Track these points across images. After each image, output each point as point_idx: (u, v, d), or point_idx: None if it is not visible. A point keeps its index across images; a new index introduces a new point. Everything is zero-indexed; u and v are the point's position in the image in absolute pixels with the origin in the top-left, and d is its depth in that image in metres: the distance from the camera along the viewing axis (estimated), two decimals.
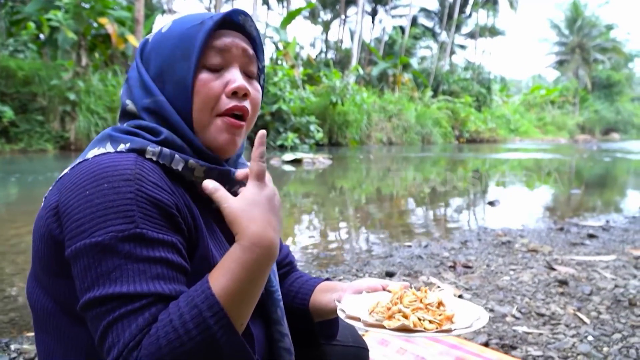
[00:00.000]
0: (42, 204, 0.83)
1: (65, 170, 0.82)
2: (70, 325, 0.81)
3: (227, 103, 0.86)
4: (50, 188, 0.83)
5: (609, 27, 52.70)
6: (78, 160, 0.81)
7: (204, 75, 0.85)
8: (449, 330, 0.82)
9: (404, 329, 0.81)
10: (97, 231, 0.71)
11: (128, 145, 0.81)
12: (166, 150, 0.82)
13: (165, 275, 0.73)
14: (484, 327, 2.46)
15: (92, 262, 0.71)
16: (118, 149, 0.81)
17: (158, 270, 0.72)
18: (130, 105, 0.88)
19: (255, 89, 0.92)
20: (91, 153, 0.81)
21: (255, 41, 0.94)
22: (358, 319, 0.86)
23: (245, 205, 0.78)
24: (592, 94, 53.20)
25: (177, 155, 0.83)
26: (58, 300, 0.81)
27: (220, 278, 0.73)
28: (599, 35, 52.15)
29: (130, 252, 0.71)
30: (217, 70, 0.87)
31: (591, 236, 4.71)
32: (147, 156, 0.80)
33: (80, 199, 0.73)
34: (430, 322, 0.83)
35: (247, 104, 0.89)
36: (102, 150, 0.81)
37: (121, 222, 0.71)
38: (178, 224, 0.78)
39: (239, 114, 0.88)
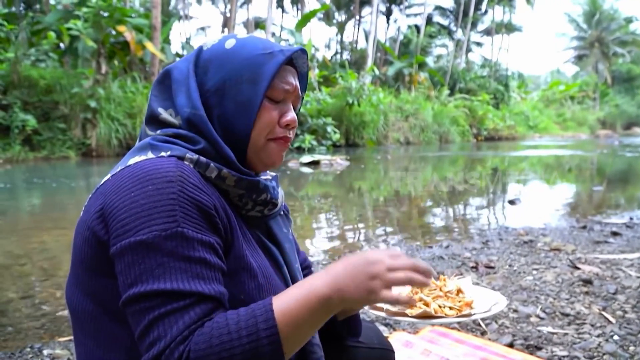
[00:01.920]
0: (83, 212, 0.88)
1: (107, 177, 0.86)
2: (111, 326, 0.84)
3: (280, 132, 0.96)
4: (90, 196, 0.88)
5: (628, 20, 51.73)
6: (119, 167, 0.85)
7: (267, 104, 0.93)
8: (468, 315, 0.86)
9: (425, 316, 0.85)
10: (141, 230, 0.75)
11: (169, 153, 0.85)
12: (202, 158, 0.87)
13: (204, 275, 0.77)
14: (507, 327, 2.46)
15: (136, 258, 0.75)
16: (159, 156, 0.85)
17: (198, 270, 0.77)
18: (164, 114, 0.92)
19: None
20: (132, 160, 0.85)
21: (302, 76, 1.03)
22: (381, 309, 0.89)
23: (362, 267, 0.79)
24: (613, 89, 52.29)
25: (212, 164, 0.87)
26: (99, 302, 0.85)
27: (285, 302, 0.77)
28: (618, 28, 51.22)
29: (173, 251, 0.75)
30: (277, 101, 0.95)
31: (615, 234, 4.66)
32: (186, 162, 0.85)
33: (125, 200, 0.78)
34: (451, 308, 0.87)
35: (292, 132, 0.99)
36: (143, 158, 0.85)
37: (164, 221, 0.76)
38: (216, 225, 0.82)
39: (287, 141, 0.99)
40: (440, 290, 0.92)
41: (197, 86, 0.91)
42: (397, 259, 0.81)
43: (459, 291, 0.92)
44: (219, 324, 0.73)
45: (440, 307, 0.86)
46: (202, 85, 0.92)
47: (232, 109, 0.91)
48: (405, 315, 0.86)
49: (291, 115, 0.96)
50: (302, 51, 0.99)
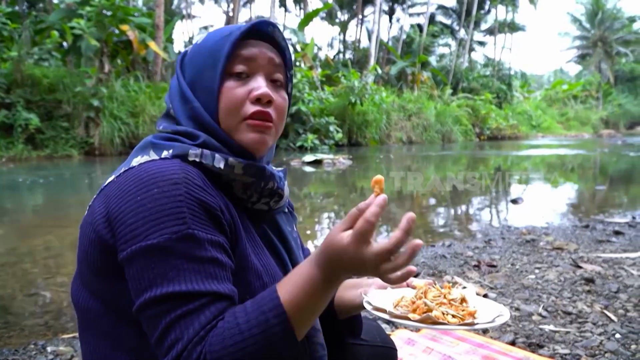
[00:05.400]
0: (87, 211, 0.87)
1: (111, 178, 0.85)
2: (116, 325, 0.85)
3: (250, 108, 0.89)
4: (95, 196, 0.87)
5: (632, 20, 51.56)
6: (123, 169, 0.85)
7: (229, 83, 0.90)
8: (471, 324, 0.85)
9: (427, 321, 0.84)
10: (151, 234, 0.75)
11: (171, 151, 0.85)
12: (206, 151, 0.86)
13: (217, 274, 0.77)
14: (509, 325, 2.46)
15: (148, 263, 0.75)
16: (162, 156, 0.85)
17: (211, 269, 0.77)
18: (172, 109, 0.95)
19: (281, 97, 0.95)
20: (135, 161, 0.85)
21: (283, 51, 0.97)
22: (384, 311, 0.89)
23: (359, 253, 0.74)
24: (616, 88, 52.13)
25: (217, 155, 0.87)
26: (105, 302, 0.85)
27: (289, 291, 0.76)
28: (621, 28, 51.06)
29: (185, 253, 0.75)
30: (242, 78, 0.91)
31: (617, 233, 4.65)
32: (190, 159, 0.85)
33: (132, 204, 0.77)
34: (453, 316, 0.85)
35: (271, 110, 0.91)
36: (146, 158, 0.85)
37: (174, 223, 0.75)
38: (222, 225, 0.82)
39: (263, 117, 0.91)
40: (445, 297, 0.91)
41: (186, 85, 0.93)
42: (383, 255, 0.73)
43: (463, 300, 0.90)
44: (229, 323, 0.73)
45: (443, 314, 0.85)
46: None
47: (203, 98, 0.91)
48: (408, 319, 0.86)
49: (262, 89, 0.89)
50: (271, 24, 0.94)
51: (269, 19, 0.95)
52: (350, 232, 0.75)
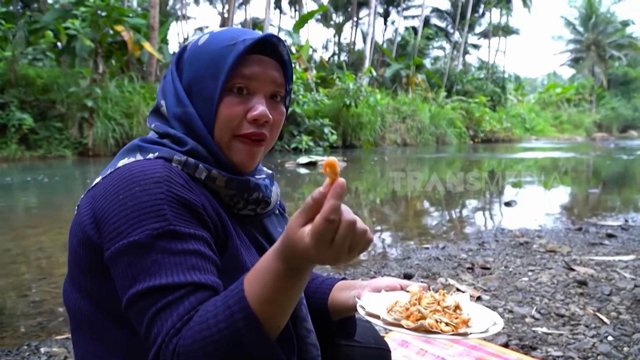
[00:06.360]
0: (76, 212, 0.88)
1: (97, 179, 0.87)
2: (107, 325, 0.85)
3: (246, 128, 0.90)
4: (82, 197, 0.89)
5: (625, 24, 51.94)
6: (109, 170, 0.86)
7: (229, 99, 0.89)
8: (464, 334, 0.84)
9: (421, 330, 0.84)
10: (133, 231, 0.76)
11: (157, 154, 0.86)
12: (191, 160, 0.87)
13: (199, 266, 0.77)
14: (502, 327, 2.47)
15: (131, 260, 0.76)
16: (147, 158, 0.86)
17: (193, 261, 0.77)
18: (164, 107, 0.94)
19: (278, 112, 0.94)
20: (121, 162, 0.86)
21: (285, 64, 0.96)
22: (377, 317, 0.88)
23: (324, 239, 0.67)
24: (609, 92, 52.42)
25: (200, 165, 0.88)
26: (95, 302, 0.86)
27: (254, 283, 0.73)
28: (614, 32, 51.42)
29: (166, 248, 0.76)
30: (242, 94, 0.90)
31: (610, 236, 4.68)
32: (174, 164, 0.85)
33: (114, 203, 0.78)
34: (447, 324, 0.85)
35: (266, 129, 0.92)
36: (132, 160, 0.86)
37: (155, 220, 0.76)
38: (205, 222, 0.83)
39: (257, 139, 0.91)
40: (439, 304, 0.90)
41: (181, 85, 0.92)
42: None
43: (457, 307, 0.90)
44: (200, 317, 0.72)
45: (436, 322, 0.84)
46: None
47: (200, 106, 0.90)
48: (401, 326, 0.86)
49: (260, 109, 0.89)
50: (276, 38, 0.92)
51: (273, 33, 0.92)
52: (309, 230, 0.67)
